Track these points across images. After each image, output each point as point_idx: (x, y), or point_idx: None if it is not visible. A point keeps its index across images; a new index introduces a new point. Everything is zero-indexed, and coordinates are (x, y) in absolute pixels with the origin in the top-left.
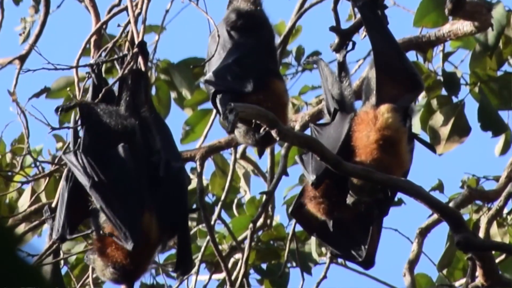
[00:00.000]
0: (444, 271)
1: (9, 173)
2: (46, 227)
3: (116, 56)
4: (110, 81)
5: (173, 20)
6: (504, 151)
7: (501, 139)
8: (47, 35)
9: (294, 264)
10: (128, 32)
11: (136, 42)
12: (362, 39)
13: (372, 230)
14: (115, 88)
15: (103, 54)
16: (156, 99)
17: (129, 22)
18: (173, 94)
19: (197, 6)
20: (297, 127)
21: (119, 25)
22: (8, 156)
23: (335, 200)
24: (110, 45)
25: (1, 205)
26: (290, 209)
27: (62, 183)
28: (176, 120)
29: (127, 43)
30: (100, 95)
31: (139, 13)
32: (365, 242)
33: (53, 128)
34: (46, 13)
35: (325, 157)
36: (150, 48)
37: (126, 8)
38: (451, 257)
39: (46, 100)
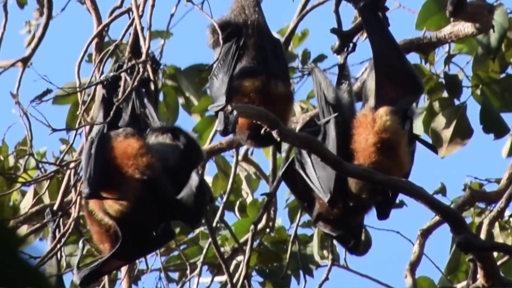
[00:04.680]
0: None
1: (13, 175)
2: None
3: (125, 68)
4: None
5: (177, 24)
6: (511, 152)
7: (508, 140)
8: (50, 37)
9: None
10: (131, 38)
11: (142, 46)
12: (363, 41)
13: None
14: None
15: (110, 61)
16: (164, 105)
17: (130, 26)
18: (180, 100)
19: (201, 10)
20: (297, 129)
21: (122, 39)
22: (11, 159)
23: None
24: (112, 47)
25: (5, 207)
26: (280, 171)
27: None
28: (184, 125)
29: (127, 49)
30: (112, 112)
31: (141, 16)
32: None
33: (54, 130)
34: (49, 16)
35: (326, 158)
36: (155, 53)
37: (128, 11)
38: (457, 261)
39: (52, 105)
